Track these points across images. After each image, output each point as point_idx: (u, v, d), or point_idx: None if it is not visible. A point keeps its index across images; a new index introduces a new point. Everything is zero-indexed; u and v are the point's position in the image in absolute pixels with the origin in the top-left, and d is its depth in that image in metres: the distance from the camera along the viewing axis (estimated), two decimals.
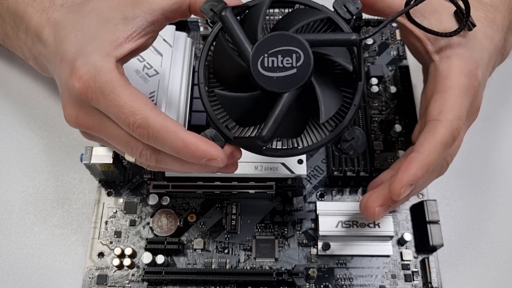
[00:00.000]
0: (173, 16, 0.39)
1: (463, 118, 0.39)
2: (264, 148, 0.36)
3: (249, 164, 0.47)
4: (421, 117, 0.44)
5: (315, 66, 0.34)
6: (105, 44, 0.37)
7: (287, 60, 0.34)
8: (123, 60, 0.38)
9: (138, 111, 0.35)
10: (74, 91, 0.37)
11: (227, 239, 0.48)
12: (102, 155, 0.46)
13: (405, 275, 0.47)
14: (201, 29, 0.58)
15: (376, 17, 0.59)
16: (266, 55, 0.34)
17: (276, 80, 0.34)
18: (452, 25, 0.40)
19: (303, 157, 0.47)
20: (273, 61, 0.34)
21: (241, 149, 0.39)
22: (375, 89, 0.55)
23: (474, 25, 0.40)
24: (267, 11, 0.36)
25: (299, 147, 0.37)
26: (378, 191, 0.40)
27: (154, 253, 0.46)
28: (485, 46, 0.41)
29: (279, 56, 0.34)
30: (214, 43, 0.37)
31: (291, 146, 0.38)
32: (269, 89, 0.34)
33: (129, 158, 0.41)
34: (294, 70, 0.34)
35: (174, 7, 0.39)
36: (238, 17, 0.37)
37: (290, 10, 0.38)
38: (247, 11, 0.37)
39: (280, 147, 0.38)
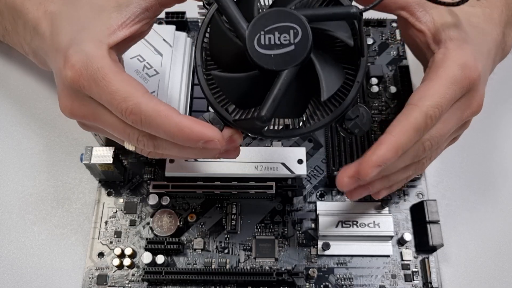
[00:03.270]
0: (167, 1, 0.39)
1: (442, 107, 0.38)
2: (264, 129, 0.36)
3: (249, 164, 0.47)
4: None
5: (315, 43, 0.33)
6: (97, 32, 0.37)
7: (285, 36, 0.32)
8: (117, 47, 0.38)
9: (130, 97, 0.35)
10: (67, 80, 0.36)
11: (227, 239, 0.48)
12: (102, 155, 0.46)
13: (405, 275, 0.47)
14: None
15: (376, 17, 0.59)
16: (262, 32, 0.33)
17: (273, 58, 0.32)
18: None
19: (303, 157, 0.47)
20: (270, 38, 0.33)
21: (240, 148, 0.38)
22: (375, 89, 0.55)
23: None
24: None
25: (301, 127, 0.36)
26: (352, 164, 0.39)
27: (154, 253, 0.46)
28: (484, 41, 0.41)
29: (276, 33, 0.32)
30: (210, 25, 0.36)
31: (292, 127, 0.37)
32: (267, 67, 0.33)
33: (129, 146, 0.40)
34: (292, 47, 0.32)
35: None
36: None
37: None
38: None
39: (282, 128, 0.36)
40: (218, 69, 0.37)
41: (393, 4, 0.41)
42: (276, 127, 0.37)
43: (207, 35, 0.37)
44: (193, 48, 0.55)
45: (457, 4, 0.38)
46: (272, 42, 0.33)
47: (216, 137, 0.34)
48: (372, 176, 0.37)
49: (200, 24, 0.57)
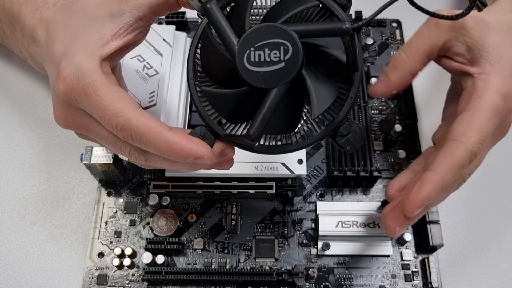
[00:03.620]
0: (161, 10, 0.38)
1: (486, 141, 0.38)
2: (255, 145, 0.35)
3: (249, 164, 0.47)
4: (444, 119, 0.45)
5: (306, 57, 0.32)
6: (90, 43, 0.36)
7: (275, 53, 0.32)
8: (111, 57, 0.37)
9: (121, 113, 0.34)
10: (60, 93, 0.36)
11: (227, 239, 0.48)
12: (102, 155, 0.46)
13: (405, 275, 0.47)
14: None
15: (376, 18, 0.59)
16: (252, 49, 0.32)
17: (263, 75, 0.32)
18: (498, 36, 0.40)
19: (303, 157, 0.47)
20: (259, 55, 0.32)
21: (233, 160, 0.38)
22: None
23: (484, 5, 0.38)
24: (255, 3, 0.35)
25: (292, 143, 0.36)
26: (395, 211, 0.40)
27: (154, 253, 0.46)
28: None
29: (266, 49, 0.32)
30: (201, 38, 0.36)
31: (284, 142, 0.36)
32: (256, 85, 0.32)
33: (122, 156, 0.40)
34: (282, 64, 0.32)
35: (161, 0, 0.38)
36: (228, 8, 0.35)
37: None
38: (234, 2, 0.35)
39: (274, 144, 0.36)
40: (210, 82, 0.36)
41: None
42: (268, 142, 0.36)
43: (199, 47, 0.36)
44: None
45: (457, 18, 0.38)
46: (262, 59, 0.32)
47: (205, 154, 0.34)
48: (416, 213, 0.38)
49: (199, 24, 0.57)
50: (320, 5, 0.34)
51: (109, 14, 0.37)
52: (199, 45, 0.36)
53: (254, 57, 0.32)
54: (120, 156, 0.40)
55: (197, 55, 0.36)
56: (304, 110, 0.36)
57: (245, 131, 0.35)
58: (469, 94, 0.40)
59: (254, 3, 0.35)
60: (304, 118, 0.36)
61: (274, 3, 0.36)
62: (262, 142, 0.36)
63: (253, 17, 0.37)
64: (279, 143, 0.36)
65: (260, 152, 0.36)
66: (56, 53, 0.37)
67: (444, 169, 0.37)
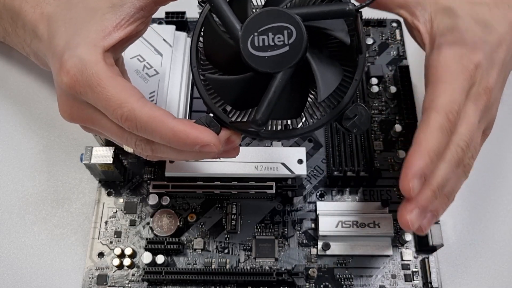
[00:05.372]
0: None
1: (457, 101, 0.38)
2: (261, 131, 0.35)
3: (249, 164, 0.47)
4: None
5: (310, 41, 0.32)
6: (92, 35, 0.36)
7: (279, 37, 0.32)
8: (114, 49, 0.37)
9: (125, 104, 0.34)
10: (63, 86, 0.36)
11: (227, 239, 0.48)
12: (102, 155, 0.46)
13: (405, 275, 0.47)
14: None
15: (376, 17, 0.59)
16: (256, 33, 0.32)
17: (268, 60, 0.32)
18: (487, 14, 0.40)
19: (303, 157, 0.47)
20: (263, 39, 0.32)
21: (239, 147, 0.38)
22: (375, 89, 0.55)
23: None
24: None
25: (299, 127, 0.36)
26: (403, 202, 0.38)
27: (154, 253, 0.46)
28: (491, 33, 0.40)
29: (270, 34, 0.32)
30: (204, 25, 0.36)
31: (290, 127, 0.36)
32: (261, 70, 0.32)
33: (128, 148, 0.40)
34: (287, 48, 0.32)
35: None
36: None
37: None
38: None
39: (280, 129, 0.36)
40: (213, 69, 0.36)
41: (392, 3, 0.41)
42: (274, 128, 0.36)
43: (202, 35, 0.36)
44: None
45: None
46: (266, 44, 0.32)
47: (211, 141, 0.34)
48: (415, 189, 0.36)
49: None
50: None
51: (110, 5, 0.37)
52: (201, 33, 0.36)
53: (258, 42, 0.32)
54: (126, 148, 0.40)
55: (199, 43, 0.36)
56: (310, 95, 0.36)
57: (251, 118, 0.35)
58: (426, 69, 0.40)
59: None
60: (310, 102, 0.36)
61: None
62: (268, 127, 0.36)
63: (254, 4, 0.36)
64: (285, 128, 0.36)
65: (266, 138, 0.36)
66: (58, 46, 0.37)
67: (422, 136, 0.37)
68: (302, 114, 0.36)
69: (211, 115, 0.36)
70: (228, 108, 0.36)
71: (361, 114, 0.35)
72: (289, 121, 0.37)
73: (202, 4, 0.36)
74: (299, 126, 0.36)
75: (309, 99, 0.36)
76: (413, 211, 0.37)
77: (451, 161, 0.39)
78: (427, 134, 0.37)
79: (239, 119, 0.36)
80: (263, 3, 0.36)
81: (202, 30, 0.36)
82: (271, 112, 0.32)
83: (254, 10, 0.35)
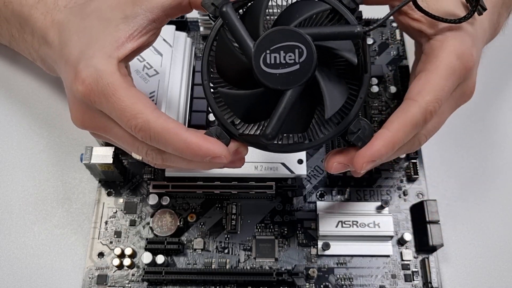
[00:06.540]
0: (174, 12, 0.39)
1: (441, 100, 0.38)
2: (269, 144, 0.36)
3: (249, 164, 0.47)
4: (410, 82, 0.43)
5: (318, 60, 0.34)
6: (106, 46, 0.37)
7: (290, 56, 0.33)
8: (126, 59, 0.38)
9: (139, 114, 0.35)
10: (78, 94, 0.37)
11: (227, 239, 0.48)
12: (102, 155, 0.46)
13: (405, 275, 0.47)
14: (201, 29, 0.58)
15: (376, 17, 0.59)
16: (268, 51, 0.33)
17: (279, 77, 0.33)
18: (451, 4, 0.39)
19: (303, 157, 0.47)
20: (275, 57, 0.33)
21: (245, 158, 0.39)
22: (375, 89, 0.55)
23: (484, 9, 0.39)
24: (269, 3, 0.36)
25: (305, 142, 0.37)
26: (344, 152, 0.39)
27: (154, 253, 0.46)
28: (480, 25, 0.41)
29: (282, 52, 0.33)
30: (216, 39, 0.37)
31: (297, 141, 0.37)
32: (272, 87, 0.33)
33: (137, 156, 0.41)
34: (297, 66, 0.33)
35: (174, 3, 0.38)
36: (241, 10, 0.36)
37: (292, 2, 0.37)
38: (249, 4, 0.37)
39: (287, 143, 0.37)
40: (224, 83, 0.37)
41: None
42: (280, 142, 0.37)
43: (213, 49, 0.37)
44: (193, 48, 0.55)
45: (459, 21, 0.38)
46: (278, 62, 0.33)
47: (222, 154, 0.36)
48: (365, 170, 0.37)
49: (199, 24, 0.57)
50: (331, 9, 0.35)
51: (123, 16, 0.38)
52: (213, 47, 0.37)
53: (270, 60, 0.33)
54: (134, 156, 0.41)
55: (210, 57, 0.37)
56: (316, 111, 0.37)
57: (258, 131, 0.37)
58: (426, 55, 0.40)
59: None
60: (316, 117, 0.37)
61: (286, 4, 0.37)
62: (276, 141, 0.37)
63: (266, 17, 0.38)
64: (292, 142, 0.37)
65: (274, 151, 0.37)
66: (72, 55, 0.38)
67: (396, 126, 0.37)
68: (309, 129, 0.37)
69: (219, 127, 0.37)
70: (236, 121, 0.37)
71: (364, 128, 0.36)
72: (295, 135, 0.38)
73: (214, 19, 0.37)
74: (305, 140, 0.37)
75: (315, 115, 0.37)
76: (342, 165, 0.38)
77: (403, 150, 0.40)
78: (401, 126, 0.37)
79: (246, 132, 0.37)
80: (275, 13, 0.37)
81: (214, 44, 0.37)
82: (281, 127, 0.34)
83: (265, 25, 0.36)
